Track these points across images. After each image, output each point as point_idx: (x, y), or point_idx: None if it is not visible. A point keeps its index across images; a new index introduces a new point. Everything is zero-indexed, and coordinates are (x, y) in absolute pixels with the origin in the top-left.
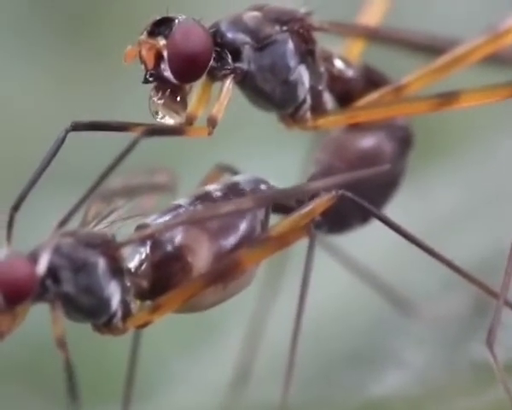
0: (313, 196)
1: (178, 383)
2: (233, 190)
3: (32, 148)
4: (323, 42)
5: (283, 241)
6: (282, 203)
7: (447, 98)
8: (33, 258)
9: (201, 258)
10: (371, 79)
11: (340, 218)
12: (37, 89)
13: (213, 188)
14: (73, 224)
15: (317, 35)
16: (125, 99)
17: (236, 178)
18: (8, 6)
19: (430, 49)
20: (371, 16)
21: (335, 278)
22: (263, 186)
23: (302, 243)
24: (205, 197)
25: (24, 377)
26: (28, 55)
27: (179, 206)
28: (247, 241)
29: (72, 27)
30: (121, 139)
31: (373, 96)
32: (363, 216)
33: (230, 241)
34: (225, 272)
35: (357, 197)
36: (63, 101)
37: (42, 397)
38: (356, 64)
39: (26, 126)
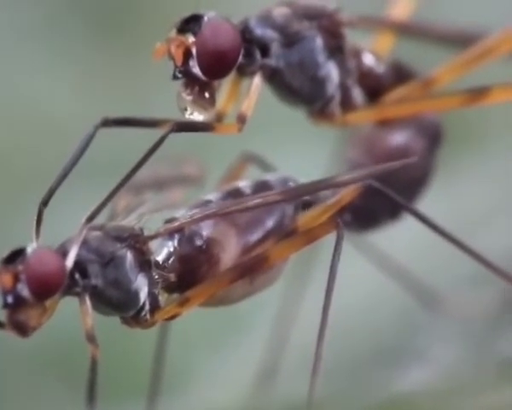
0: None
1: (205, 378)
2: (262, 188)
3: (63, 142)
4: (353, 37)
5: (311, 235)
6: (311, 200)
7: (478, 93)
8: (62, 252)
9: (229, 252)
10: (401, 74)
11: (369, 213)
12: (70, 84)
13: (243, 185)
14: (101, 218)
15: (346, 30)
16: (155, 95)
17: (266, 177)
18: (45, 1)
19: (460, 41)
20: (400, 10)
21: (363, 275)
22: (292, 184)
23: (331, 238)
24: (234, 194)
25: (54, 370)
26: (64, 50)
27: (208, 201)
28: (274, 236)
29: (107, 23)
30: (149, 133)
31: (402, 90)
32: (392, 211)
33: (258, 235)
34: (253, 267)
35: (384, 188)
36: (95, 96)
37: (72, 390)
38: (385, 59)
39: (58, 121)
